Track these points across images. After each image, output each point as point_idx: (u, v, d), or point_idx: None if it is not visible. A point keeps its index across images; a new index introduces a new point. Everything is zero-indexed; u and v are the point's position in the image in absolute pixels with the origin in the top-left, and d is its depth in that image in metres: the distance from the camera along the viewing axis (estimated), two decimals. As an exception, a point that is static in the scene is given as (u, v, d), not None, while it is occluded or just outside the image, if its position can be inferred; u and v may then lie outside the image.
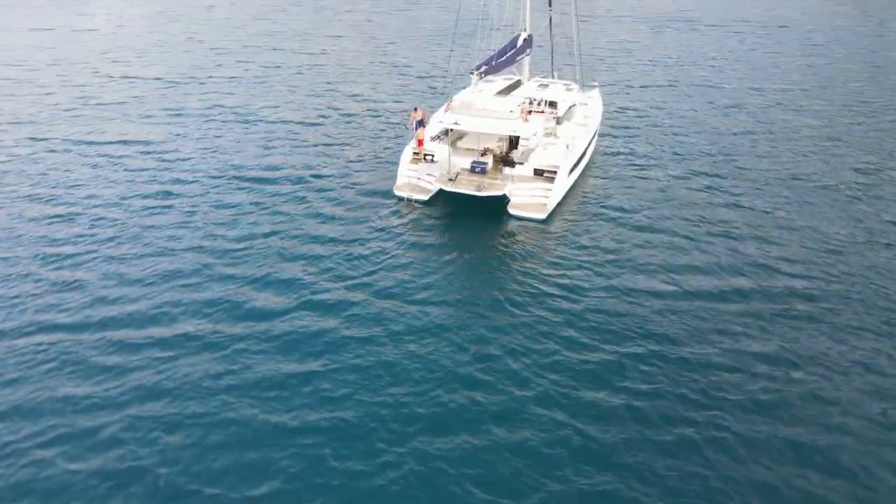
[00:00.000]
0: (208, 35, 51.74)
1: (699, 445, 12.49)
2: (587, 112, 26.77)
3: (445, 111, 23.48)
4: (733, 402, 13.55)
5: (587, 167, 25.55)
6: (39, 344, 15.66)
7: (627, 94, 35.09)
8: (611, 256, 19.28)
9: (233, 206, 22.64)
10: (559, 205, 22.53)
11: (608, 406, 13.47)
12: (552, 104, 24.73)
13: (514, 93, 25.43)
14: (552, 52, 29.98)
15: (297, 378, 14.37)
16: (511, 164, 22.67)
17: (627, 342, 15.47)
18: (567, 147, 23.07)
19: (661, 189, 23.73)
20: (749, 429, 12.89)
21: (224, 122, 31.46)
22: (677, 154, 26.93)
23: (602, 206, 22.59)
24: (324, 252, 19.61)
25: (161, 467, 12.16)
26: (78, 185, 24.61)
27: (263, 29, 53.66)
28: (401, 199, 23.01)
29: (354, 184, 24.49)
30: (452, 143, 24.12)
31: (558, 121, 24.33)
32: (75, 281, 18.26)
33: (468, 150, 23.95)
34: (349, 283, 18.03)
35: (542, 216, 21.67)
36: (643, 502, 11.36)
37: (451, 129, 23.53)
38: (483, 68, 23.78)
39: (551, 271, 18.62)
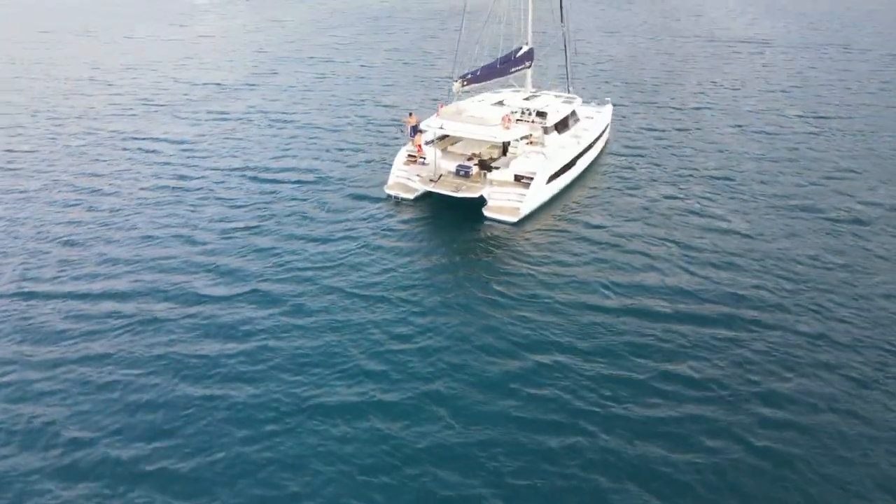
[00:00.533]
0: (275, 46, 55.08)
1: (578, 452, 12.88)
2: (587, 125, 27.11)
3: (436, 117, 24.59)
4: (608, 416, 13.79)
5: (580, 179, 25.85)
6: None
7: (651, 112, 34.72)
8: (559, 269, 19.54)
9: (229, 200, 24.64)
10: (536, 212, 23.07)
11: (492, 409, 14.05)
12: (541, 114, 25.29)
13: (505, 101, 26.21)
14: (567, 67, 30.58)
15: (224, 355, 15.92)
16: (489, 168, 23.49)
17: (538, 351, 15.82)
18: (546, 156, 23.64)
19: (644, 207, 23.53)
20: (619, 444, 13.19)
21: (258, 125, 33.79)
22: (678, 175, 26.38)
23: (576, 219, 22.80)
24: (290, 242, 21.24)
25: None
26: (103, 173, 27.48)
27: (325, 42, 56.48)
28: (390, 197, 24.34)
29: (352, 184, 25.94)
30: (445, 148, 25.18)
31: (546, 131, 24.86)
32: (75, 255, 20.73)
33: (459, 154, 24.94)
34: (301, 272, 19.48)
35: (514, 219, 22.34)
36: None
37: (441, 134, 24.62)
38: (468, 76, 24.76)
39: (494, 276, 19.25)
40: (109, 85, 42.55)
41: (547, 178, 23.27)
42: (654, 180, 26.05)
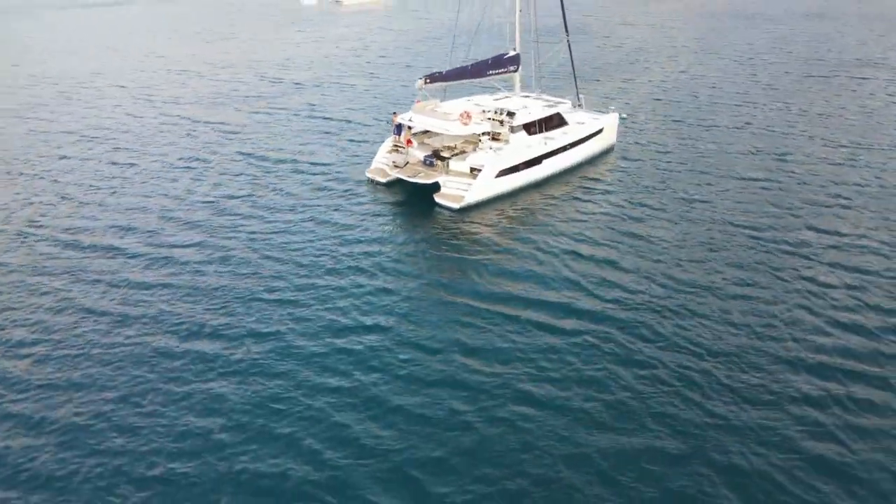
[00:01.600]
0: (356, 53, 59.55)
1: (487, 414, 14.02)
2: (569, 129, 28.16)
3: (410, 112, 26.92)
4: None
5: (549, 180, 26.92)
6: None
7: (669, 129, 34.56)
8: (494, 256, 20.73)
9: (234, 175, 28.47)
10: (484, 205, 24.61)
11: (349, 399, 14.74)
12: (511, 114, 26.77)
13: (475, 100, 28.13)
14: (574, 74, 31.87)
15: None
16: (442, 159, 25.49)
17: (405, 347, 16.46)
18: (501, 152, 25.21)
19: (595, 219, 23.53)
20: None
21: (301, 117, 37.73)
22: (654, 191, 25.89)
23: (521, 218, 23.79)
24: (266, 211, 24.47)
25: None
26: (150, 145, 32.54)
27: (400, 51, 60.11)
28: (370, 180, 27.01)
29: (340, 169, 28.83)
30: (422, 141, 27.43)
31: (513, 129, 26.33)
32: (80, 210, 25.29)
33: (432, 146, 27.06)
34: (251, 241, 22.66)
35: (457, 206, 24.17)
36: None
37: (411, 126, 26.93)
38: (434, 75, 26.86)
39: (432, 253, 21.26)
40: (202, 77, 48.83)
41: (496, 172, 24.78)
42: (623, 192, 25.83)
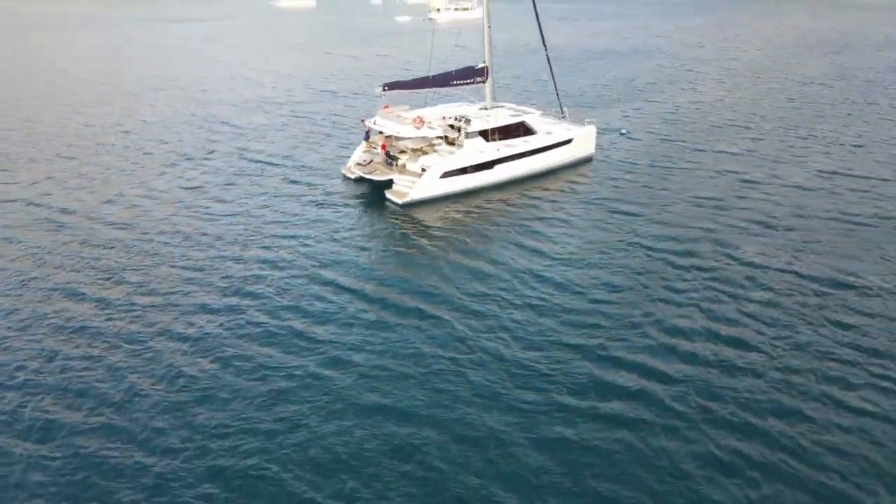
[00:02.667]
0: (413, 64, 62.65)
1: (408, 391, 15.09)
2: (531, 139, 29.45)
3: (376, 116, 29.27)
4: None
5: (510, 184, 28.26)
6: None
7: (660, 144, 34.67)
8: (381, 265, 21.58)
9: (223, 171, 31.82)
10: (430, 204, 26.34)
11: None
12: (468, 121, 28.40)
13: (436, 108, 30.11)
14: (556, 87, 33.39)
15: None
16: (393, 158, 27.63)
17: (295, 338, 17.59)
18: (448, 155, 27.01)
19: (535, 218, 24.82)
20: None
21: (317, 122, 40.90)
22: (606, 200, 26.60)
23: (458, 220, 25.11)
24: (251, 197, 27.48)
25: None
26: (170, 134, 36.61)
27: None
28: (344, 176, 29.51)
29: (326, 167, 31.44)
30: (391, 144, 29.59)
31: (468, 135, 27.96)
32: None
33: (401, 148, 29.16)
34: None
35: (400, 202, 26.21)
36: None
37: (375, 130, 29.20)
38: (394, 84, 28.96)
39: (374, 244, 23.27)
40: (258, 85, 53.57)
41: (441, 173, 26.50)
42: (567, 205, 26.26)
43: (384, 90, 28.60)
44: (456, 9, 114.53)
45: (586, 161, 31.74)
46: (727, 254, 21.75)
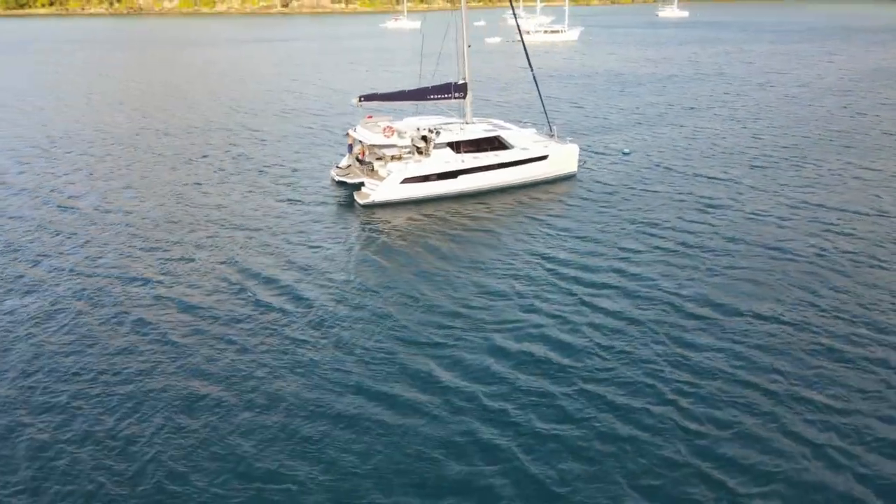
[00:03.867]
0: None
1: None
2: (504, 153, 31.15)
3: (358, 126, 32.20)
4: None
5: (472, 196, 30.16)
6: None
7: (654, 169, 34.91)
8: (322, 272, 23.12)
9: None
10: (391, 207, 28.77)
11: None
12: (437, 132, 30.61)
13: (413, 119, 32.51)
14: (543, 106, 35.07)
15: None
16: (366, 164, 30.43)
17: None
18: (411, 161, 29.41)
19: (474, 243, 25.29)
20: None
21: (315, 130, 44.58)
22: (570, 218, 27.41)
23: (414, 226, 26.87)
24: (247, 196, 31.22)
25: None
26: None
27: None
28: (332, 179, 32.69)
29: (313, 171, 34.70)
30: (372, 151, 32.36)
31: (436, 146, 30.17)
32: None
33: (380, 155, 31.89)
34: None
35: (362, 202, 28.91)
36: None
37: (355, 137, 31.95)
38: (370, 96, 31.53)
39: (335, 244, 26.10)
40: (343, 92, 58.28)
41: (401, 179, 28.83)
42: (517, 226, 26.84)
43: (360, 101, 31.43)
44: (546, 31, 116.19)
45: (567, 179, 32.97)
46: (622, 270, 22.44)
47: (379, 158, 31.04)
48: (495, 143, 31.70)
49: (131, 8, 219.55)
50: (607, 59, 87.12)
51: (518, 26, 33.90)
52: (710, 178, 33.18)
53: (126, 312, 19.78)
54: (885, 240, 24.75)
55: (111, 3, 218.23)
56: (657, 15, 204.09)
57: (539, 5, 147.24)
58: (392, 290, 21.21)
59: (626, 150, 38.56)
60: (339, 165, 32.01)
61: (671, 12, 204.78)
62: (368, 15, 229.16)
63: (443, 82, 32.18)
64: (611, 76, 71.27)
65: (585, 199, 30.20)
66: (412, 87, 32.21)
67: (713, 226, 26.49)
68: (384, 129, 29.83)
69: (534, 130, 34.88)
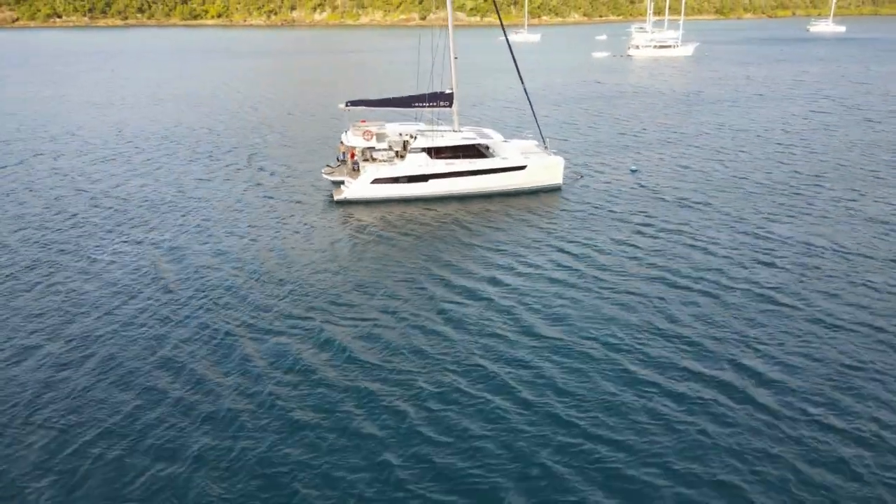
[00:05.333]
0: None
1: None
2: (480, 161, 32.75)
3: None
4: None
5: (441, 199, 32.09)
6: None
7: (645, 186, 34.80)
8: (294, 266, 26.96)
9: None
10: (364, 205, 31.46)
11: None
12: (414, 138, 32.79)
13: (397, 125, 34.74)
14: (535, 118, 36.34)
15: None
16: (348, 164, 33.26)
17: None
18: (385, 164, 31.93)
19: (439, 247, 27.28)
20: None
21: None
22: (539, 229, 28.20)
23: (386, 225, 28.99)
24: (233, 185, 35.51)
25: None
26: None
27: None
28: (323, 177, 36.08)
29: (306, 171, 38.10)
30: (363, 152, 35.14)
31: (413, 150, 32.37)
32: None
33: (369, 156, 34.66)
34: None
35: (337, 197, 31.83)
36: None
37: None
38: (356, 102, 33.97)
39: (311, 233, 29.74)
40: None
41: (371, 179, 31.36)
42: (484, 234, 28.04)
43: (347, 106, 34.28)
44: (656, 46, 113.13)
45: (551, 191, 33.79)
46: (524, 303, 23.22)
47: (367, 160, 33.80)
48: (472, 151, 33.39)
49: (285, 20, 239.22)
50: (698, 78, 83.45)
51: (508, 42, 35.15)
52: (705, 204, 31.71)
53: (93, 299, 22.30)
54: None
55: (268, 16, 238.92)
56: (808, 30, 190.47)
57: (666, 20, 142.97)
58: (341, 275, 23.75)
59: (634, 167, 38.51)
60: (330, 165, 35.06)
61: (825, 27, 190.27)
62: (496, 28, 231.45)
63: (431, 91, 34.28)
64: (682, 95, 68.23)
65: (559, 211, 30.79)
66: (391, 95, 34.80)
67: (680, 260, 25.70)
68: (364, 133, 32.55)
69: (534, 143, 36.04)
